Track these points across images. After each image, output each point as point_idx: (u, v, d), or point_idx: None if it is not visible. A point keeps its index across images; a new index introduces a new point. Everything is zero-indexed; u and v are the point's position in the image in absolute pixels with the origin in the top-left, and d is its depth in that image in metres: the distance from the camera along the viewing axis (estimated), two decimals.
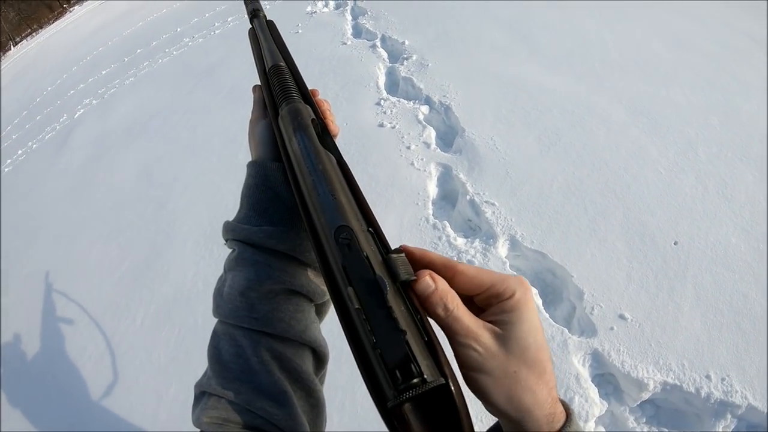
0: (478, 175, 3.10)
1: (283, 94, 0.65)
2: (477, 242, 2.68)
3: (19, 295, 3.95)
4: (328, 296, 0.61)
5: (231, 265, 0.60)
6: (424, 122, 3.76)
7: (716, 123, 3.31)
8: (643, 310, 2.27)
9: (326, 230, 0.47)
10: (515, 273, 2.51)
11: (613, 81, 3.80)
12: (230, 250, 0.64)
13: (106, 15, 16.56)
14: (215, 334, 0.57)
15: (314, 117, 0.62)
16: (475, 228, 2.86)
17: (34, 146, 7.11)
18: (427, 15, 5.62)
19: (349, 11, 6.65)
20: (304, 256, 0.60)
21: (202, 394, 0.55)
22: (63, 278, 3.84)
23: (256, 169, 0.65)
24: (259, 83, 0.75)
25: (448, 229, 2.81)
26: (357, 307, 0.40)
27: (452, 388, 0.37)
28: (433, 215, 2.95)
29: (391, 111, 3.97)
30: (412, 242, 2.67)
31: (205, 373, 0.57)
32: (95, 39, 12.50)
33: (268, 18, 0.89)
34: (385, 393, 0.37)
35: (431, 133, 3.63)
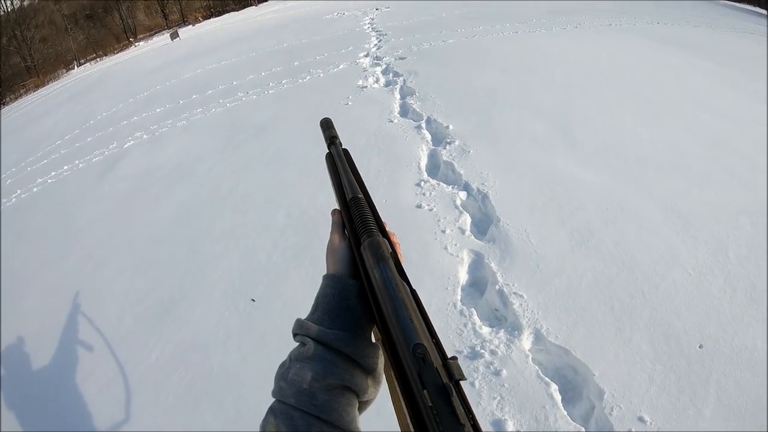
0: (509, 266, 3.20)
1: (363, 227, 0.76)
2: (502, 333, 2.76)
3: (38, 305, 4.05)
4: (369, 397, 0.70)
5: (299, 357, 0.66)
6: (461, 208, 3.89)
7: (747, 223, 3.39)
8: (663, 413, 2.29)
9: (404, 346, 0.55)
10: (537, 366, 2.58)
11: (647, 178, 3.92)
12: (298, 344, 0.71)
13: (168, 57, 17.26)
14: (273, 412, 0.63)
15: (391, 250, 0.73)
16: (501, 318, 2.94)
17: (80, 165, 7.39)
18: (472, 101, 5.87)
19: (398, 90, 6.94)
20: (363, 360, 0.67)
21: None
22: (85, 297, 3.94)
23: (334, 281, 0.74)
24: (337, 208, 0.88)
25: (475, 316, 2.89)
26: (430, 405, 0.47)
27: None
28: (461, 301, 3.04)
29: (430, 193, 4.11)
30: (438, 327, 2.77)
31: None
32: (154, 77, 13.12)
33: (343, 146, 1.01)
34: None
35: (467, 220, 3.76)
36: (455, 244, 3.49)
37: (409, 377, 0.53)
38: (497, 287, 3.05)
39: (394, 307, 0.62)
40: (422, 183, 4.30)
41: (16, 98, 27.63)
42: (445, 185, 4.26)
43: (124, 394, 2.98)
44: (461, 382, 0.50)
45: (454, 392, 0.48)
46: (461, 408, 0.46)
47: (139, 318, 3.54)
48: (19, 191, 7.21)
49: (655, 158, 4.19)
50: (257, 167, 5.41)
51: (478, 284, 3.22)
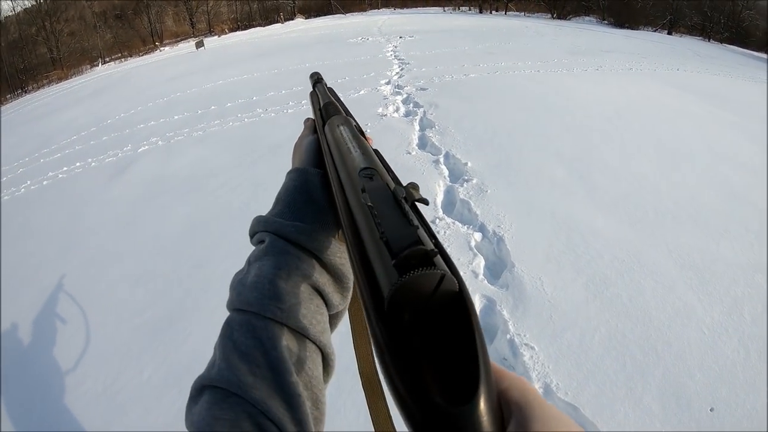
0: (522, 315, 3.18)
1: (334, 112, 0.75)
2: None
3: (34, 303, 3.97)
4: (340, 309, 0.63)
5: (258, 255, 0.59)
6: (475, 249, 3.88)
7: (763, 282, 3.37)
8: None
9: (352, 174, 0.51)
10: None
11: (665, 231, 3.90)
12: (256, 245, 0.64)
13: (191, 65, 17.40)
14: (229, 326, 0.53)
15: (357, 125, 0.73)
16: (509, 368, 2.91)
17: (93, 164, 7.41)
18: (492, 139, 5.89)
19: (417, 121, 6.97)
20: (328, 258, 0.61)
21: (202, 389, 0.51)
22: (83, 302, 3.86)
23: (297, 173, 0.68)
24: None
25: None
26: (369, 204, 0.42)
27: (465, 293, 0.36)
28: None
29: (445, 232, 4.10)
30: None
31: (211, 366, 0.52)
32: (176, 83, 13.25)
33: (328, 86, 1.00)
34: (381, 289, 0.36)
35: (481, 263, 3.75)
36: (468, 288, 3.45)
37: (351, 203, 0.48)
38: (508, 336, 3.03)
39: (348, 149, 0.60)
40: (437, 220, 4.30)
41: (39, 88, 28.02)
42: (460, 224, 4.25)
43: (112, 411, 2.87)
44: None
45: (405, 195, 0.43)
46: (415, 219, 0.41)
47: (135, 331, 3.45)
48: (29, 182, 7.23)
49: (672, 210, 4.17)
50: (271, 187, 5.23)
51: (488, 331, 3.19)
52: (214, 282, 3.79)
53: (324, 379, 0.56)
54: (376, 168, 0.52)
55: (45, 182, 7.08)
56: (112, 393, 2.99)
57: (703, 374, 2.71)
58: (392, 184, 0.49)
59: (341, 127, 0.69)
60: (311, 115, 0.88)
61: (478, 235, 4.06)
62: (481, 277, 3.60)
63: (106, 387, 3.04)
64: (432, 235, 0.41)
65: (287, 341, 0.51)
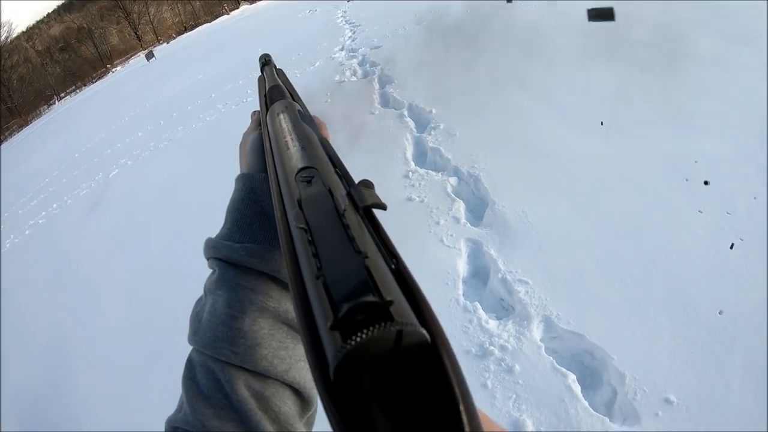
0: (510, 251, 3.04)
1: (278, 97, 0.64)
2: (510, 325, 2.60)
3: (36, 350, 4.08)
4: None
5: (212, 288, 0.55)
6: (453, 195, 3.74)
7: (752, 173, 3.19)
8: (689, 390, 2.14)
9: (289, 178, 0.43)
10: (551, 357, 2.43)
11: (643, 138, 3.72)
12: (211, 271, 0.59)
13: (146, 78, 17.46)
14: (190, 363, 0.52)
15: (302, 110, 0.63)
16: (508, 308, 2.79)
17: (69, 201, 7.56)
18: (453, 82, 5.68)
19: (376, 80, 6.80)
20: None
21: (174, 430, 0.50)
22: (83, 338, 3.95)
23: (242, 181, 0.61)
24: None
25: (480, 311, 2.73)
26: (302, 226, 0.34)
27: (441, 343, 0.27)
28: (463, 296, 2.89)
29: (420, 183, 3.96)
30: (442, 325, 2.63)
31: (179, 407, 0.52)
32: (134, 100, 13.40)
33: (278, 67, 0.90)
34: (326, 352, 0.27)
35: (461, 207, 3.60)
36: (451, 235, 3.33)
37: (288, 216, 0.39)
38: (500, 275, 2.89)
39: (286, 143, 0.51)
40: (410, 174, 4.15)
41: (1, 142, 27.77)
42: (434, 173, 4.11)
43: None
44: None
45: (347, 208, 0.35)
46: (366, 236, 0.32)
47: (138, 353, 3.49)
48: (12, 236, 7.42)
49: (647, 116, 3.98)
50: None
51: (479, 275, 3.07)
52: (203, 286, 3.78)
53: (302, 411, 0.54)
54: (317, 166, 0.43)
55: (27, 232, 7.26)
56: (125, 421, 3.03)
57: (706, 278, 2.57)
58: (339, 188, 0.40)
59: (281, 116, 0.59)
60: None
61: (453, 180, 3.91)
62: (463, 221, 3.46)
63: (118, 415, 3.10)
64: (391, 254, 0.32)
65: (248, 381, 0.49)
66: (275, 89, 0.71)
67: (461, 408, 0.24)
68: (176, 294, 3.81)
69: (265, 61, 0.93)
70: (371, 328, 0.24)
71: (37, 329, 4.45)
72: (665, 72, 4.35)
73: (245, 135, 0.70)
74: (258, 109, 0.76)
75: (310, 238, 0.32)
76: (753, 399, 2.05)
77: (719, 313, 2.39)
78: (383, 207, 0.37)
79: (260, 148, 0.65)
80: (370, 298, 0.26)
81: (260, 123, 0.70)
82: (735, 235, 2.76)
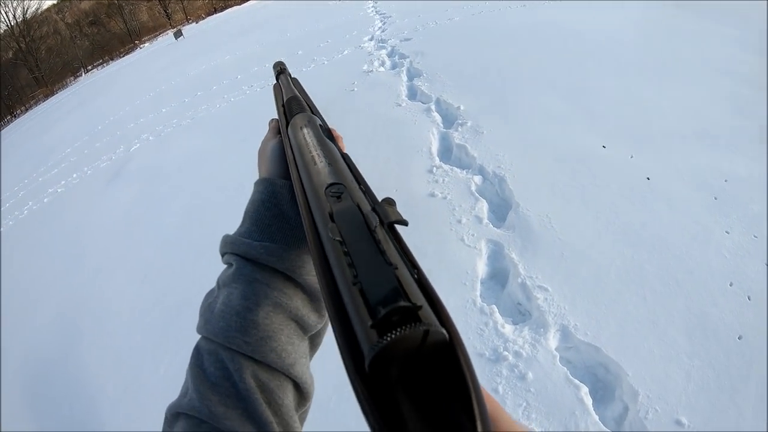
0: (532, 256, 3.00)
1: (298, 109, 0.67)
2: (526, 331, 2.56)
3: (48, 318, 4.10)
4: (318, 328, 0.59)
5: (226, 281, 0.58)
6: (476, 194, 3.69)
7: None
8: (701, 415, 2.10)
9: (319, 192, 0.46)
10: (565, 367, 2.39)
11: (673, 152, 3.67)
12: (226, 266, 0.62)
13: (173, 56, 17.56)
14: (198, 352, 0.53)
15: (323, 125, 0.64)
16: (524, 313, 2.75)
17: (89, 172, 7.56)
18: (483, 79, 5.64)
19: (404, 72, 6.74)
20: (302, 279, 0.57)
21: (176, 416, 0.51)
22: (96, 311, 3.95)
23: (263, 185, 0.64)
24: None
25: (496, 314, 2.69)
26: (337, 239, 0.37)
27: (457, 342, 0.32)
28: (480, 297, 2.85)
29: (443, 180, 3.92)
30: (457, 327, 2.61)
31: (184, 393, 0.53)
32: (160, 77, 13.41)
33: (293, 76, 0.93)
34: (362, 348, 0.31)
35: (483, 206, 3.55)
36: (472, 235, 3.29)
37: (318, 226, 0.44)
38: (519, 280, 2.85)
39: (312, 158, 0.54)
40: (434, 169, 4.10)
41: (27, 110, 28.03)
42: (458, 170, 4.06)
43: (135, 410, 2.94)
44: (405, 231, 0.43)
45: (377, 224, 0.38)
46: (393, 249, 0.37)
47: (148, 328, 3.50)
48: (30, 203, 7.45)
49: (679, 129, 3.92)
50: None
51: (498, 277, 3.03)
52: (217, 266, 3.70)
53: (298, 406, 0.56)
54: (345, 183, 0.47)
55: (45, 200, 7.27)
56: (133, 393, 3.06)
57: (728, 301, 2.52)
58: (365, 204, 0.44)
59: (304, 130, 0.62)
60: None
61: (478, 179, 3.86)
62: (485, 221, 3.41)
63: (127, 388, 3.11)
64: (413, 265, 0.37)
65: (255, 372, 0.51)
66: (294, 101, 0.73)
67: (473, 397, 0.29)
68: (189, 271, 3.91)
69: (280, 70, 0.95)
70: (404, 327, 0.29)
71: (49, 296, 4.47)
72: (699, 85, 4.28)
73: (264, 142, 0.74)
74: (275, 117, 0.79)
75: (345, 250, 0.36)
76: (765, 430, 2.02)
77: (738, 338, 2.35)
78: (405, 223, 0.40)
79: (280, 156, 0.68)
80: (404, 303, 0.30)
81: (279, 131, 0.73)
82: (760, 260, 2.70)
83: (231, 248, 0.59)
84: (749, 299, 2.51)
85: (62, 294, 4.41)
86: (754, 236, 2.85)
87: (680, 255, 2.81)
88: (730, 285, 2.59)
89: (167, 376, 3.06)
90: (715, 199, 3.17)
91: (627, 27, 7.04)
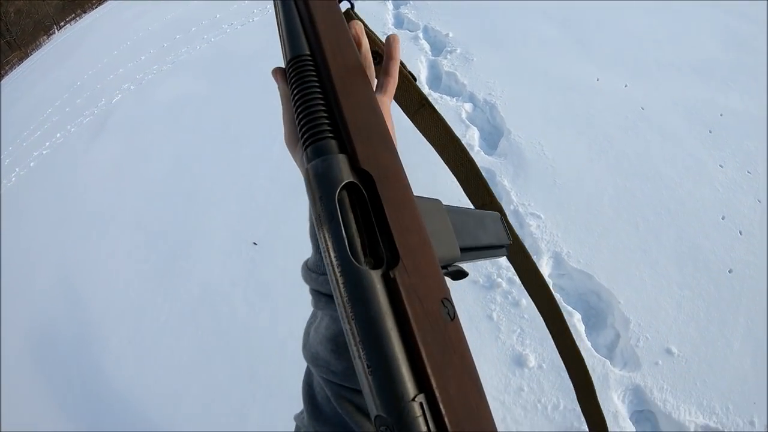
0: (524, 183, 2.96)
1: (306, 124, 0.45)
2: None
3: (47, 281, 4.05)
4: None
5: (313, 314, 0.59)
6: (467, 121, 3.62)
7: None
8: (691, 344, 2.13)
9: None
10: (558, 294, 2.39)
11: (669, 84, 3.59)
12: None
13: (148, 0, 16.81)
14: (309, 372, 0.56)
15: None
16: None
17: (72, 130, 7.32)
18: (472, 6, 5.41)
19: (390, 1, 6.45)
20: None
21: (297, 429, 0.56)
22: (93, 266, 3.92)
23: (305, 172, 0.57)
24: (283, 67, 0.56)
25: None
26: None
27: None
28: None
29: None
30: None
31: (303, 410, 0.56)
32: (136, 23, 12.74)
33: None
34: None
35: (475, 134, 3.49)
36: None
37: None
38: (512, 207, 2.83)
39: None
40: None
41: (2, 76, 26.84)
42: (448, 98, 3.96)
43: (142, 359, 2.99)
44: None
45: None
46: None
47: (145, 278, 3.51)
48: (17, 169, 7.22)
49: (675, 61, 3.83)
50: (248, 100, 5.12)
51: None
52: (208, 209, 3.83)
53: None
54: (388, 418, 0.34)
55: (32, 164, 7.06)
56: (138, 342, 3.10)
57: (719, 233, 2.52)
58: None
59: (329, 232, 0.41)
60: None
61: (468, 106, 3.78)
62: (477, 149, 3.36)
63: (131, 338, 3.14)
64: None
65: (348, 396, 0.51)
66: (298, 72, 0.50)
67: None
68: (181, 216, 3.89)
69: None
70: None
71: (46, 259, 4.42)
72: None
73: (289, 145, 0.59)
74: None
75: None
76: (751, 362, 2.05)
77: (729, 271, 2.35)
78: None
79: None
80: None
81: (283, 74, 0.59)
82: (753, 195, 2.69)
83: (313, 285, 0.56)
84: (741, 234, 2.50)
85: (59, 253, 4.37)
86: (748, 172, 2.83)
87: (673, 186, 2.79)
88: (722, 219, 2.58)
89: (168, 324, 3.08)
90: (710, 132, 3.12)
91: None
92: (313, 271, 0.56)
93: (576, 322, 2.25)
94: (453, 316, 0.37)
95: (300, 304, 2.68)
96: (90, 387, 2.98)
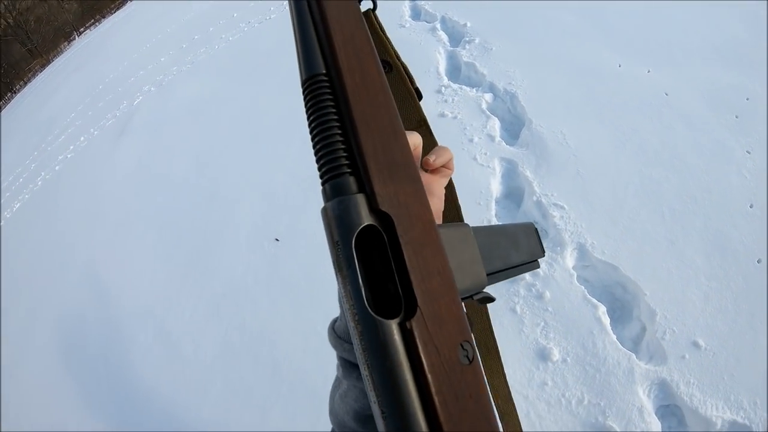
0: (546, 173, 2.92)
1: (322, 158, 0.41)
2: None
3: (77, 282, 4.12)
4: None
5: (335, 382, 0.59)
6: (488, 112, 3.58)
7: None
8: (719, 337, 2.08)
9: None
10: (583, 286, 2.36)
11: (693, 69, 3.51)
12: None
13: (165, 2, 16.90)
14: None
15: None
16: (541, 231, 2.69)
17: (96, 133, 7.45)
18: None
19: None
20: None
21: None
22: (118, 264, 4.00)
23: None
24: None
25: None
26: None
27: None
28: (496, 217, 2.81)
29: (453, 99, 3.80)
30: None
31: None
32: (155, 25, 12.87)
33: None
34: None
35: (495, 124, 3.45)
36: (485, 153, 3.21)
37: None
38: (535, 198, 2.79)
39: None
40: (443, 89, 3.97)
41: (26, 83, 27.18)
42: (468, 88, 3.93)
43: (168, 354, 3.04)
44: None
45: None
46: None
47: (170, 276, 3.56)
48: (43, 173, 7.40)
49: (699, 45, 3.74)
50: (267, 97, 5.14)
51: (513, 196, 2.97)
52: (232, 205, 3.87)
53: None
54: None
55: (57, 167, 7.21)
56: (163, 339, 3.15)
57: (747, 222, 2.45)
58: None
59: (346, 282, 0.40)
60: None
61: (488, 96, 3.74)
62: (498, 139, 3.32)
63: (157, 334, 3.20)
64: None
65: None
66: (313, 96, 0.44)
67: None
68: (204, 213, 3.94)
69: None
70: None
71: (73, 259, 4.50)
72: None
73: None
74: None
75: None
76: None
77: (758, 261, 2.30)
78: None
79: None
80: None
81: None
82: None
83: (339, 352, 0.56)
84: None
85: (87, 252, 4.45)
86: None
87: (699, 174, 2.72)
88: (751, 207, 2.52)
89: (192, 320, 3.12)
90: (736, 117, 3.05)
91: None
92: (343, 339, 0.55)
93: (601, 315, 2.21)
94: (472, 359, 0.37)
95: (321, 299, 2.68)
96: (117, 383, 3.04)
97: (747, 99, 3.16)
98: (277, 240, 3.33)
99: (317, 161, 0.42)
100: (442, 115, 3.64)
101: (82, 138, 7.63)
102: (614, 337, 2.16)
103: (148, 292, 3.52)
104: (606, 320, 2.22)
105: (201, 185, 4.33)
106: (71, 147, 7.58)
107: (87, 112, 8.81)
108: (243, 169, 4.18)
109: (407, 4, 5.97)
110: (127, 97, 8.03)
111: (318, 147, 0.42)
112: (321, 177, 0.41)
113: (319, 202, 0.41)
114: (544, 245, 2.31)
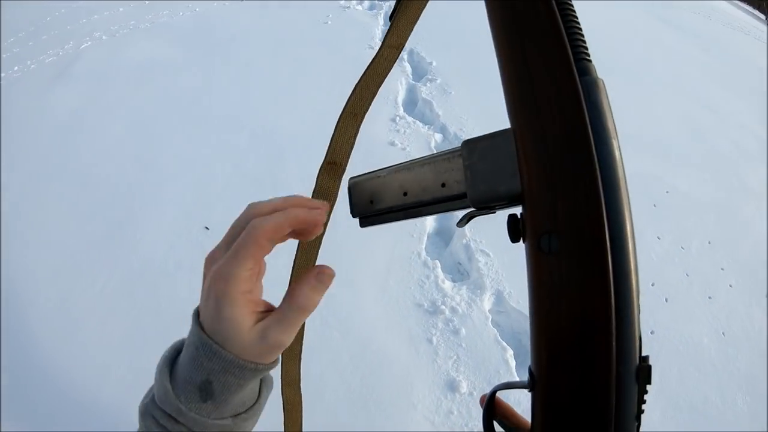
0: (479, 220, 3.08)
1: None
2: (464, 290, 2.69)
3: None
4: None
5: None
6: (434, 150, 3.72)
7: (712, 220, 3.40)
8: None
9: None
10: (495, 329, 2.54)
11: (624, 154, 3.80)
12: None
13: None
14: None
15: None
16: (463, 273, 2.87)
17: (32, 66, 6.87)
18: (460, 39, 5.61)
19: (382, 15, 6.59)
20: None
21: None
22: (28, 220, 3.63)
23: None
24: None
25: (438, 269, 2.80)
26: None
27: None
28: (425, 251, 2.94)
29: (405, 131, 3.95)
30: (401, 276, 2.73)
31: None
32: None
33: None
34: None
35: None
36: None
37: None
38: (464, 241, 2.96)
39: None
40: (397, 119, 4.11)
41: None
42: (421, 124, 4.10)
43: (67, 327, 2.74)
44: None
45: None
46: None
47: (85, 241, 3.24)
48: None
49: (633, 134, 4.06)
50: (222, 81, 5.04)
51: (443, 233, 3.12)
52: (163, 183, 3.61)
53: None
54: None
55: None
56: (66, 308, 2.82)
57: (648, 298, 2.75)
58: None
59: None
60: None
61: (438, 137, 3.92)
62: None
63: (60, 302, 2.87)
64: None
65: None
66: None
67: None
68: (132, 183, 3.69)
69: None
70: None
71: None
72: None
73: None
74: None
75: None
76: (659, 416, 2.23)
77: (651, 332, 2.57)
78: None
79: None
80: None
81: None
82: (683, 269, 2.95)
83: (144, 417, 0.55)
84: (666, 301, 2.75)
85: None
86: (682, 247, 3.09)
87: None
88: (652, 285, 2.82)
89: (103, 296, 2.86)
90: (654, 206, 3.39)
91: (611, 25, 7.16)
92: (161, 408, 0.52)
93: (509, 357, 2.38)
94: None
95: None
96: (8, 346, 2.74)
97: (666, 192, 3.51)
98: (207, 228, 3.20)
99: None
100: (392, 144, 3.78)
101: (15, 67, 6.92)
102: (517, 378, 2.34)
103: (59, 252, 3.21)
104: (512, 363, 2.39)
105: (134, 154, 4.05)
106: (2, 75, 7.07)
107: (28, 42, 8.24)
108: (182, 148, 3.99)
109: (380, 27, 6.15)
110: (75, 38, 7.51)
111: None
112: None
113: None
114: (465, 286, 2.49)
